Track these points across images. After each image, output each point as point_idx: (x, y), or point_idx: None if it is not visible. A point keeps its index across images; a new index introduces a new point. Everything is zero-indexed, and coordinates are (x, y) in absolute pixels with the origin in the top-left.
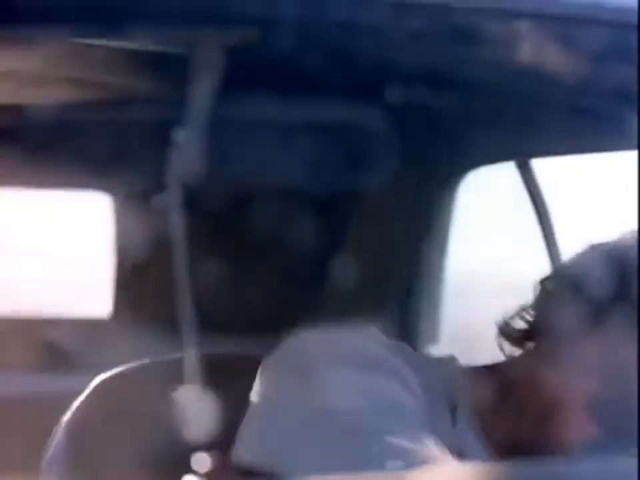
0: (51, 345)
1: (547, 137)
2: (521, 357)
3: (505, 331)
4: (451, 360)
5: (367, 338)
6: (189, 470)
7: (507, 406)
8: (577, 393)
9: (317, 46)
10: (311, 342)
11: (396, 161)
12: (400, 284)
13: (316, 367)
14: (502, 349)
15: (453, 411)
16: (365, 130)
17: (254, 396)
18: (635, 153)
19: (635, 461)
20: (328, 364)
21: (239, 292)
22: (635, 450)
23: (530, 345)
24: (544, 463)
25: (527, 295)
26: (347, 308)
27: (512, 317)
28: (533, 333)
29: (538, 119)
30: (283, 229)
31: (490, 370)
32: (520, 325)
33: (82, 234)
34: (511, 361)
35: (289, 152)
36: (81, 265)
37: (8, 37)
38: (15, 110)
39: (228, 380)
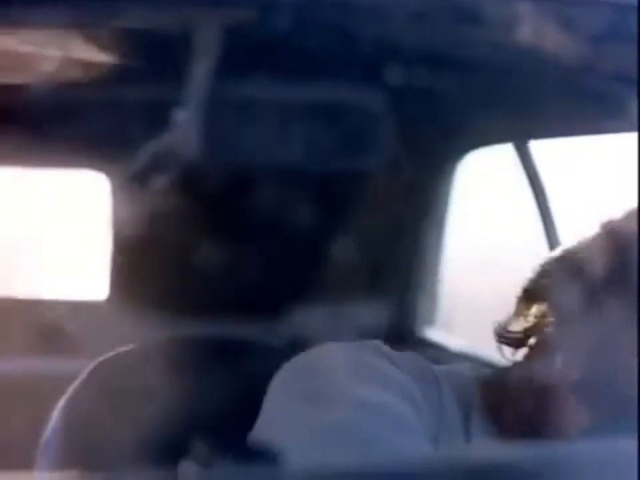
0: (46, 326)
1: (545, 119)
2: (525, 357)
3: (503, 335)
4: (462, 369)
5: (370, 352)
6: (187, 454)
7: (519, 407)
8: (574, 381)
9: (315, 26)
10: (319, 356)
11: (394, 142)
12: (398, 265)
13: (322, 380)
14: (502, 354)
15: (466, 419)
16: (363, 111)
17: (268, 401)
18: (634, 134)
19: (635, 441)
20: (333, 377)
21: (236, 273)
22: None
23: (532, 342)
24: (543, 446)
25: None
26: (345, 289)
27: (509, 319)
28: (533, 328)
29: (537, 101)
30: (281, 210)
31: (499, 375)
32: (518, 325)
33: (79, 214)
34: (517, 364)
35: (286, 133)
36: (77, 246)
37: (5, 17)
38: (11, 90)
39: (224, 362)
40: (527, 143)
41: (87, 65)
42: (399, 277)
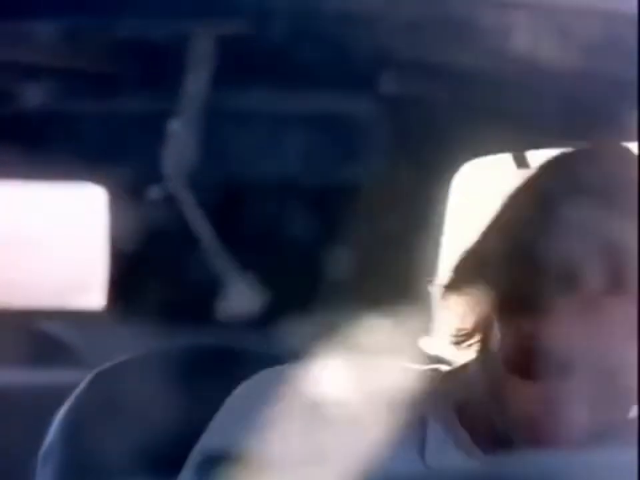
0: (44, 336)
1: (543, 129)
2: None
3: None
4: (422, 371)
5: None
6: (185, 464)
7: (480, 399)
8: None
9: (310, 36)
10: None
11: (389, 152)
12: (393, 276)
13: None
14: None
15: (423, 420)
16: (358, 121)
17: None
18: (634, 144)
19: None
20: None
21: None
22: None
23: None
24: (539, 457)
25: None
26: (339, 300)
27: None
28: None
29: (534, 111)
30: (276, 221)
31: (457, 372)
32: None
33: (77, 226)
34: (475, 358)
35: (281, 143)
36: (75, 257)
37: (4, 28)
38: (8, 101)
39: (222, 371)
40: (524, 152)
41: (84, 77)
42: (394, 288)
